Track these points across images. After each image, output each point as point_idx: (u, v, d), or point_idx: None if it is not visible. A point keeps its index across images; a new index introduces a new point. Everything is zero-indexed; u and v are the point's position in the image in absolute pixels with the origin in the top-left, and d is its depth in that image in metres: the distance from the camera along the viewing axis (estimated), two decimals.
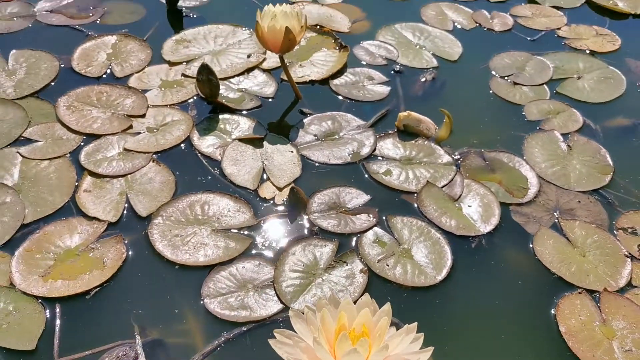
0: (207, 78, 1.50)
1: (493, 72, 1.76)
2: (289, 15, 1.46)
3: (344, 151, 1.46)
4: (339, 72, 1.70)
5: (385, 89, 1.66)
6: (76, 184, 1.33)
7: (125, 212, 1.28)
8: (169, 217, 1.27)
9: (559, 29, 1.96)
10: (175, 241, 1.23)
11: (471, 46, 1.85)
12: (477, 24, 1.95)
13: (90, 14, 1.85)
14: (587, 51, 1.87)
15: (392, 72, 1.73)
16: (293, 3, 1.98)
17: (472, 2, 2.06)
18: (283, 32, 1.44)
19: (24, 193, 1.30)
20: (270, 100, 1.60)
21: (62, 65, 1.65)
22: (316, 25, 1.88)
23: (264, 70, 1.69)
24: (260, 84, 1.65)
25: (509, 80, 1.73)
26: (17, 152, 1.38)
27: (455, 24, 1.95)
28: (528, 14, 2.02)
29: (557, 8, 2.06)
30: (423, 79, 1.71)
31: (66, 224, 1.24)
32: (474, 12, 2.00)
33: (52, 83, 1.59)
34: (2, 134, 1.42)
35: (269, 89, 1.63)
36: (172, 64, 1.69)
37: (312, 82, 1.67)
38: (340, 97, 1.63)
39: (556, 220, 1.33)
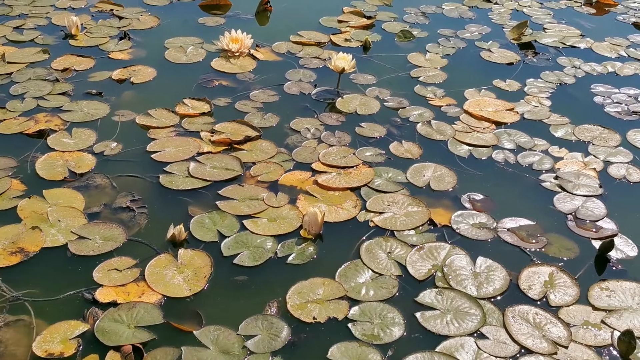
0: (628, 341, 1.90)
1: None
2: None
3: None
4: None
5: None
6: None
7: None
8: None
9: None
10: None
11: None
12: None
13: (535, 241, 2.44)
14: None
15: None
16: None
17: None
18: None
19: None
20: None
21: (511, 281, 2.24)
22: None
23: None
24: None
25: None
26: (474, 342, 1.99)
27: None
28: None
29: None
30: None
31: None
32: None
33: (501, 295, 2.19)
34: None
35: None
36: (594, 308, 2.13)
37: None
38: None
39: None
